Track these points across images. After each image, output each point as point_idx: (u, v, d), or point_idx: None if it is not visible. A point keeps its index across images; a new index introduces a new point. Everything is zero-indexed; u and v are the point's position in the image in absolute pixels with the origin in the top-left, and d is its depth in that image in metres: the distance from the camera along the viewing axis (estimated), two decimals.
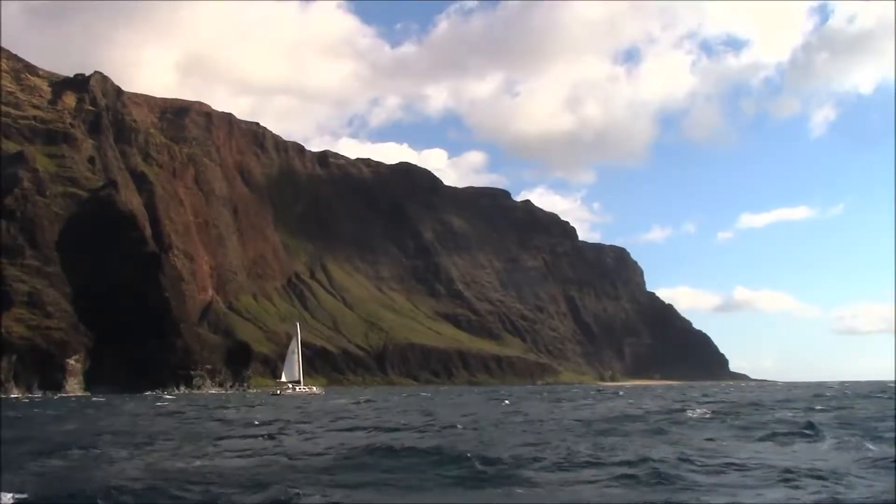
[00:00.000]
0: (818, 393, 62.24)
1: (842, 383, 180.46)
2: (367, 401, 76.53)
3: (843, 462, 18.68)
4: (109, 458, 22.05)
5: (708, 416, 36.36)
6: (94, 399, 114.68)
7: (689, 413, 38.50)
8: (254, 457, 22.06)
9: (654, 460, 18.35)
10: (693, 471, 17.34)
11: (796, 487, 15.27)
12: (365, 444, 23.35)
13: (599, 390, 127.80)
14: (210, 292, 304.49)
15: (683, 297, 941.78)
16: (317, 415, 47.58)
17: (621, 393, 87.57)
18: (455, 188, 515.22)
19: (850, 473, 16.67)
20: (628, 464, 18.37)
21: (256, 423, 39.51)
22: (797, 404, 46.16)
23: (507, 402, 62.09)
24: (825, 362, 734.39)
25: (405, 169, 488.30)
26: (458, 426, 31.26)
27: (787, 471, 16.77)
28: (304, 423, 38.22)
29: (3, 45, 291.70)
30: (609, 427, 29.81)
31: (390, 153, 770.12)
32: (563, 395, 76.65)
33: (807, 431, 25.93)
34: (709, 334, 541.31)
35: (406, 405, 61.15)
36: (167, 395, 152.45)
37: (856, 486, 15.22)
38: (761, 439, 24.61)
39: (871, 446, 21.22)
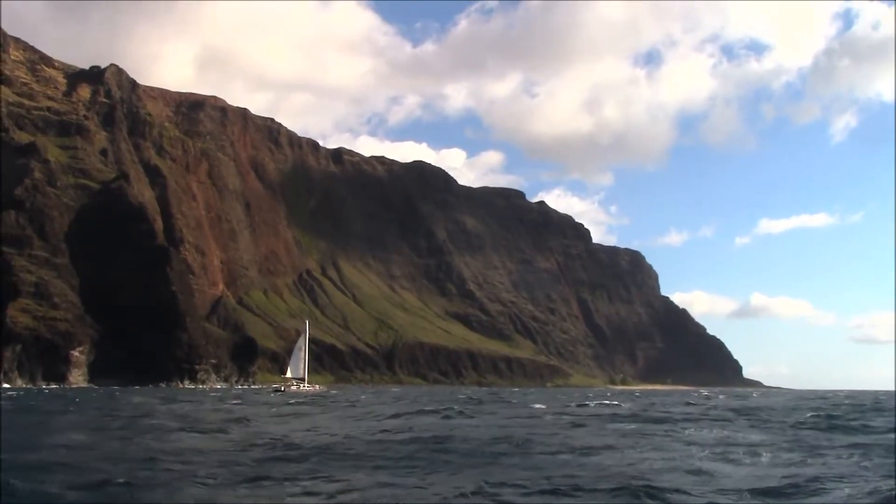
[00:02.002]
0: (796, 405, 59.38)
1: (835, 392, 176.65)
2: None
3: None
4: None
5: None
6: (85, 392, 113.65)
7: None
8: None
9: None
10: None
11: None
12: None
13: (593, 395, 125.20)
14: (220, 287, 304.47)
15: (699, 302, 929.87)
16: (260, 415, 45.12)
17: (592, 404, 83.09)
18: (469, 188, 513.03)
19: None
20: None
21: (182, 421, 37.65)
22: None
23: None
24: (841, 371, 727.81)
25: (419, 167, 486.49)
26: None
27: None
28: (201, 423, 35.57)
29: (20, 36, 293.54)
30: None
31: (408, 152, 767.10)
32: (527, 400, 73.65)
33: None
34: (724, 340, 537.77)
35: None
36: (166, 389, 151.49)
37: None
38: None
39: None
